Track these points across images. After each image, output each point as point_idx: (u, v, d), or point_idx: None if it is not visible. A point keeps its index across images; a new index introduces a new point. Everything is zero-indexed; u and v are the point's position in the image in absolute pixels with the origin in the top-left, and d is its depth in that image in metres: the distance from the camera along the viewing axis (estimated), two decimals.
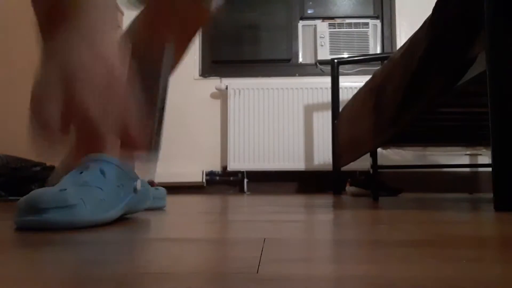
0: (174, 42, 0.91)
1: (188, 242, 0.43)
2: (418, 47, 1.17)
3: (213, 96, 3.03)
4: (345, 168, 2.36)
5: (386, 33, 3.09)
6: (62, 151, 0.73)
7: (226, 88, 2.94)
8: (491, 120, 0.91)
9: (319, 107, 2.90)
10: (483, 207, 1.06)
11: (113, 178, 0.62)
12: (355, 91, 2.74)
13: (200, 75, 3.06)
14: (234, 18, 3.11)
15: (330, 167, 2.70)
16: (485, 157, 2.77)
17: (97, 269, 0.30)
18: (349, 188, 2.21)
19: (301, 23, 3.13)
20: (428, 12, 1.16)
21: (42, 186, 0.71)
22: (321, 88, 2.90)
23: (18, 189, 1.77)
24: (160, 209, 1.01)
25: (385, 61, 1.48)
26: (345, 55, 2.99)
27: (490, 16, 0.92)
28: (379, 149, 2.59)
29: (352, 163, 2.06)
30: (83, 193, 0.56)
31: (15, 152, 1.91)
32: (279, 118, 2.90)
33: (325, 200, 1.65)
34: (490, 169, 0.92)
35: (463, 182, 2.84)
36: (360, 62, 2.58)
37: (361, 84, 2.79)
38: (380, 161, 2.83)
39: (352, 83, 2.88)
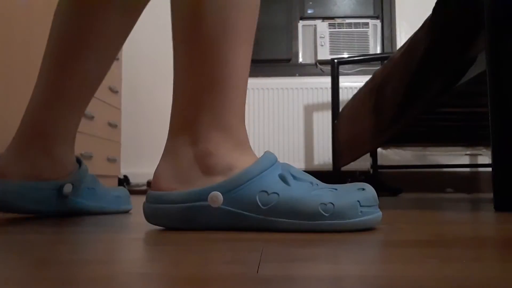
0: None
1: (188, 243, 0.43)
2: (418, 47, 1.17)
3: None
4: (345, 168, 2.35)
5: (386, 33, 3.09)
6: None
7: None
8: (491, 120, 0.91)
9: (319, 107, 2.90)
10: (483, 207, 1.05)
11: None
12: (355, 91, 2.74)
13: None
14: None
15: (330, 167, 2.70)
16: (485, 157, 2.77)
17: (97, 268, 0.30)
18: None
19: (301, 23, 3.13)
20: (428, 12, 1.16)
21: None
22: (321, 88, 2.90)
23: None
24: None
25: (385, 61, 1.48)
26: (345, 55, 2.99)
27: (490, 16, 0.92)
28: (379, 149, 2.59)
29: (352, 163, 2.06)
30: None
31: None
32: (279, 118, 2.90)
33: None
34: (490, 169, 0.92)
35: (463, 182, 2.84)
36: (360, 62, 2.58)
37: (361, 84, 2.80)
38: (380, 161, 2.84)
39: (352, 83, 2.88)
